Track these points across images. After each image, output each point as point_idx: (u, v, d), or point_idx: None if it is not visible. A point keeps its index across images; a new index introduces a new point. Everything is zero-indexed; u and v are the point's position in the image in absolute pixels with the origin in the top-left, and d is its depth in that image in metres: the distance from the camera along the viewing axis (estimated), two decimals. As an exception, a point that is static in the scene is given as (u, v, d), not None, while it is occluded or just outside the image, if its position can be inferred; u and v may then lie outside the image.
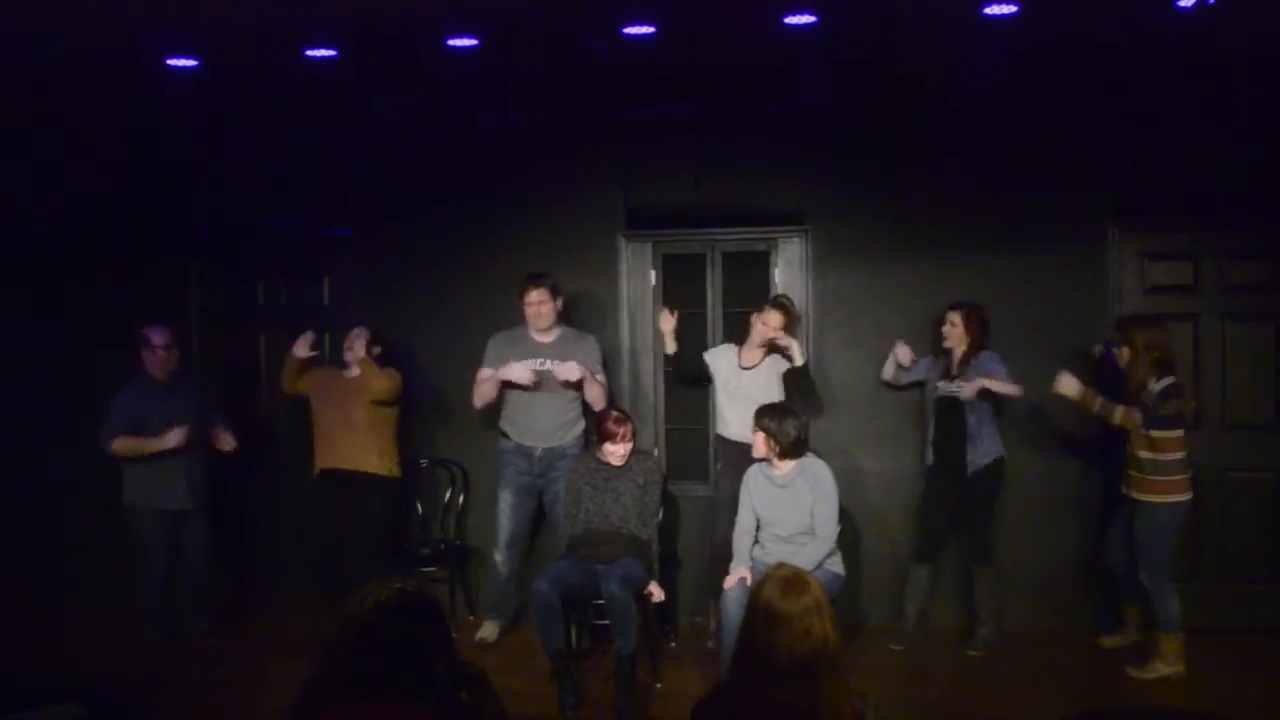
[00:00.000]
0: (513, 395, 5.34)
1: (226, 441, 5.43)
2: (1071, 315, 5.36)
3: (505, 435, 5.41)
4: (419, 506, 5.91)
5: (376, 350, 5.43)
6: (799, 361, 5.08)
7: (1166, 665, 4.71)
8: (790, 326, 5.17)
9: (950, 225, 5.47)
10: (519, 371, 5.18)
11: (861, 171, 5.55)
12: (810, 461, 4.59)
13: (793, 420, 4.54)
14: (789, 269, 5.64)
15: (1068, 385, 4.78)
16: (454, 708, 2.26)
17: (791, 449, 4.52)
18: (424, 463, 5.90)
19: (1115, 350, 4.82)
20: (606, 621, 4.60)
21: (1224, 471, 5.35)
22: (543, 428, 5.32)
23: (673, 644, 5.40)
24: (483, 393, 5.31)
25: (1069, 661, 5.01)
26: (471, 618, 5.76)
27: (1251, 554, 5.35)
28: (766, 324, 5.10)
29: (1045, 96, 5.32)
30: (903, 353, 5.24)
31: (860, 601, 5.54)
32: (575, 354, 5.26)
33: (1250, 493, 5.35)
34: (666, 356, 5.46)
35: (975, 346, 5.06)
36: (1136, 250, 5.40)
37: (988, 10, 4.48)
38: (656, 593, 4.72)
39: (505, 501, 5.41)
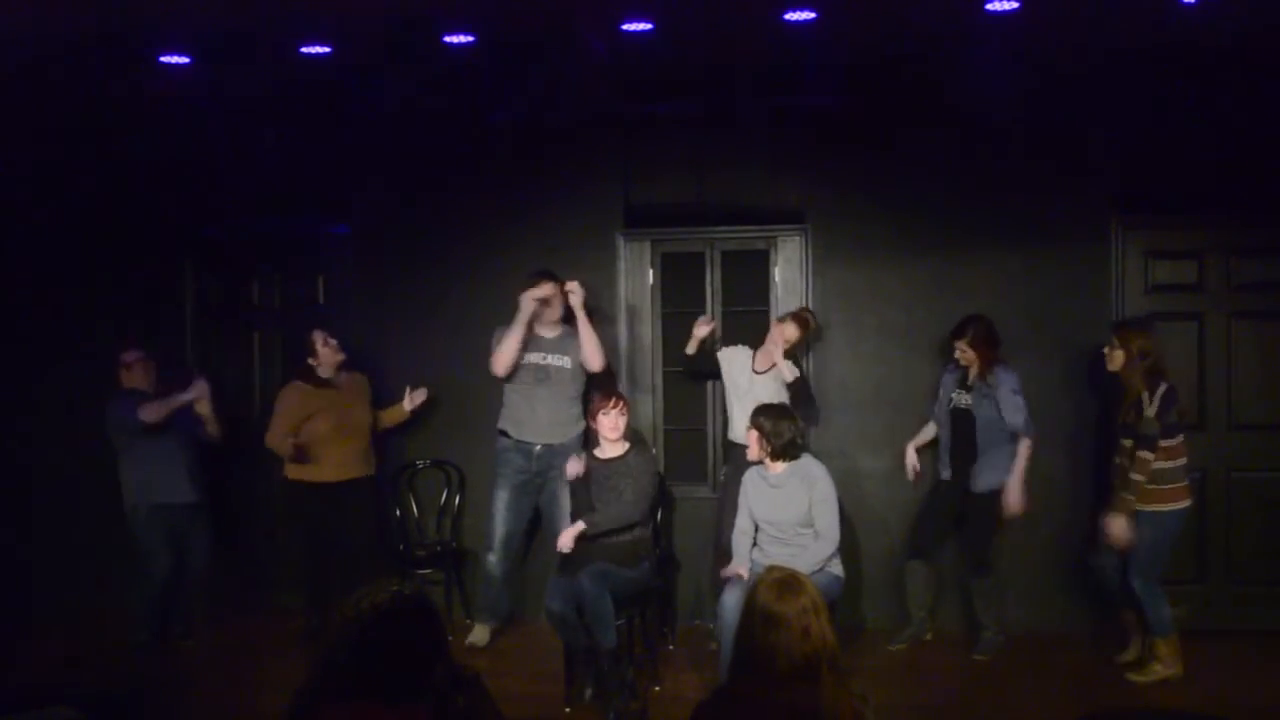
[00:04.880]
0: (514, 392, 5.34)
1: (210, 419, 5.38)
2: (1074, 314, 5.32)
3: (504, 434, 5.40)
4: (414, 508, 5.88)
5: (341, 357, 5.45)
6: (788, 379, 5.08)
7: (1165, 668, 4.67)
8: (804, 340, 5.22)
9: (951, 223, 5.44)
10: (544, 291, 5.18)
11: (862, 169, 5.52)
12: (805, 462, 4.53)
13: (788, 422, 4.50)
14: (789, 267, 5.60)
15: (1119, 527, 4.58)
16: (450, 711, 2.25)
17: (784, 450, 4.47)
18: (421, 464, 5.86)
19: (1106, 353, 4.73)
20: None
21: (1230, 472, 5.32)
22: (543, 423, 5.32)
23: (671, 647, 5.35)
24: (507, 348, 5.22)
25: (1072, 665, 4.97)
26: (468, 620, 5.71)
27: (1258, 555, 5.31)
28: (783, 335, 5.12)
29: (1047, 93, 5.30)
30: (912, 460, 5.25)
31: (859, 603, 5.50)
32: (573, 348, 5.29)
33: (1256, 493, 5.31)
34: (684, 354, 5.38)
35: (988, 361, 4.95)
36: (1140, 248, 5.36)
37: (989, 6, 4.46)
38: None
39: (501, 500, 5.40)
